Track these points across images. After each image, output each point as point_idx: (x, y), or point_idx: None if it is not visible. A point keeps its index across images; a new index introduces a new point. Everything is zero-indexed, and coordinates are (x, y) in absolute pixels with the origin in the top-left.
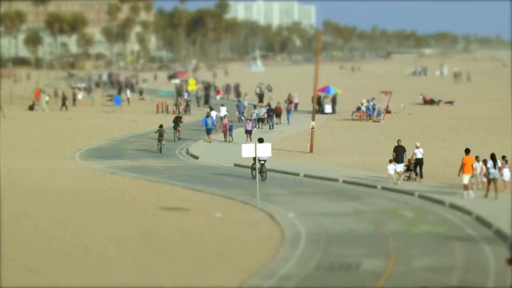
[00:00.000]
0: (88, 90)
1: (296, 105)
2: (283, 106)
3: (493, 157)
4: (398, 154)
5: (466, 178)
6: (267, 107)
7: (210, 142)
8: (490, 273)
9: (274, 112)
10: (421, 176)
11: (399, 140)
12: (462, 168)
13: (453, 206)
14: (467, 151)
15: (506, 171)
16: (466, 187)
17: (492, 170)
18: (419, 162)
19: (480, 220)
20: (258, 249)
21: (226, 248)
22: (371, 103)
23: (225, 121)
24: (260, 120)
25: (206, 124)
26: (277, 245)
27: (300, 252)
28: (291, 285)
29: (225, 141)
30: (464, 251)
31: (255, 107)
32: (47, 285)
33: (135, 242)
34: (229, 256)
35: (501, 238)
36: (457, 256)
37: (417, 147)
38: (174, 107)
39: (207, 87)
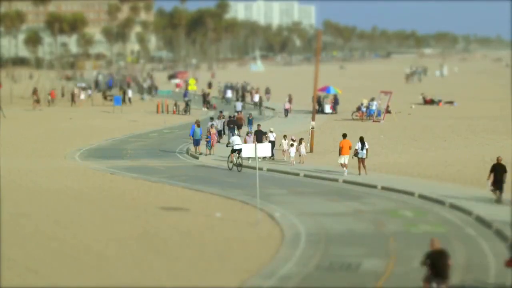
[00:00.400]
0: (87, 90)
1: (286, 111)
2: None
3: (361, 139)
4: (258, 136)
5: (343, 159)
6: (228, 118)
7: (200, 154)
8: (490, 273)
9: (235, 124)
10: (272, 155)
11: (258, 124)
12: (340, 151)
13: (453, 206)
14: (344, 135)
15: (302, 147)
16: (344, 165)
17: (359, 151)
18: (271, 143)
19: (480, 220)
20: (258, 249)
21: (226, 248)
22: (375, 104)
23: (213, 131)
24: (218, 133)
25: (193, 134)
26: (277, 245)
27: (300, 252)
28: (291, 285)
29: (210, 154)
30: (464, 251)
31: (212, 119)
32: (47, 285)
33: (135, 242)
34: (229, 256)
35: (501, 238)
36: (457, 256)
37: (270, 132)
38: (174, 107)
39: (226, 89)
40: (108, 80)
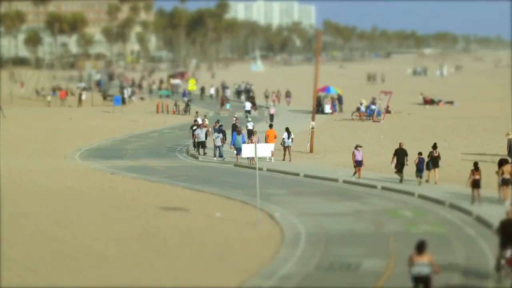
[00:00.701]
0: (87, 89)
1: (272, 116)
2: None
3: (287, 130)
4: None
5: (272, 147)
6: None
7: (236, 164)
8: (490, 273)
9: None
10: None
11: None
12: (266, 139)
13: (453, 206)
14: (270, 126)
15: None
16: (271, 153)
17: (286, 140)
18: (250, 132)
19: (480, 220)
20: (258, 249)
21: (226, 248)
22: (376, 105)
23: (255, 138)
24: (200, 144)
25: (235, 143)
26: (277, 245)
27: (300, 252)
28: (291, 285)
29: (252, 164)
30: (464, 250)
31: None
32: (47, 285)
33: (135, 242)
34: (229, 256)
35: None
36: (457, 256)
37: (248, 121)
38: (174, 107)
39: (240, 91)
40: (103, 78)
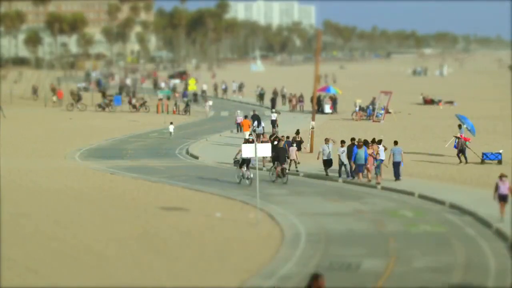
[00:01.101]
0: (87, 89)
1: (239, 125)
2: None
3: (257, 117)
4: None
5: (246, 134)
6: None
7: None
8: (490, 273)
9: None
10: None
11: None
12: (242, 128)
13: (453, 206)
14: (246, 116)
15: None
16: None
17: (256, 128)
18: (273, 122)
19: (480, 220)
20: (258, 249)
21: (226, 248)
22: (375, 105)
23: (373, 150)
24: (328, 162)
25: (356, 158)
26: (277, 245)
27: (300, 252)
28: (291, 285)
29: (371, 181)
30: (464, 250)
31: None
32: (47, 285)
33: (135, 242)
34: (229, 256)
35: (501, 238)
36: (457, 256)
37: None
38: (174, 107)
39: (262, 94)
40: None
